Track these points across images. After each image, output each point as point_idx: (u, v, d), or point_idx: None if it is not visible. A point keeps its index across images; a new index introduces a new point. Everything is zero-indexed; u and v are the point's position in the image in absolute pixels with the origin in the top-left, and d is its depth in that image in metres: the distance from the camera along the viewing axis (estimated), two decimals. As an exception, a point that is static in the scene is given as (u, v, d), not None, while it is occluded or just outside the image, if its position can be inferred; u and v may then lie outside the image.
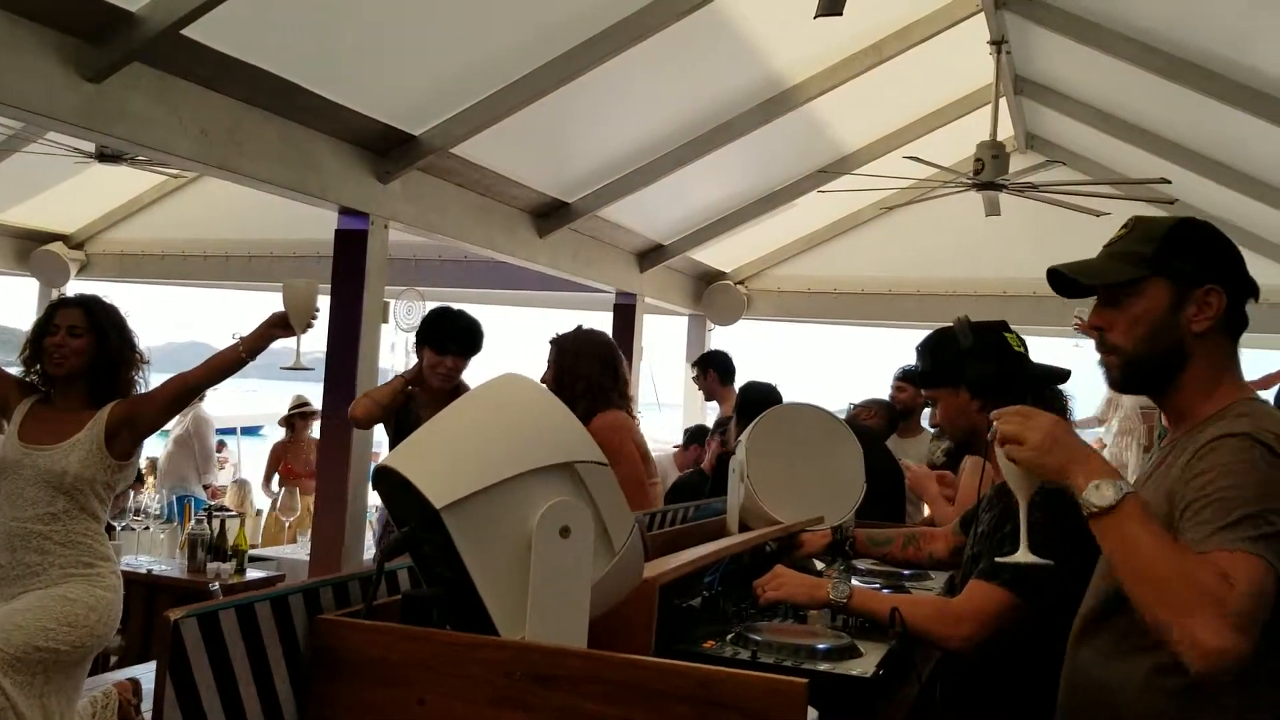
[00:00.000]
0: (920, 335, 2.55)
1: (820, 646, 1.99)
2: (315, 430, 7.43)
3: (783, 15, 5.00)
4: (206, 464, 8.53)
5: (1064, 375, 2.49)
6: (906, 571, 2.91)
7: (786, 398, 4.84)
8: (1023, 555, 1.73)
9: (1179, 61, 4.99)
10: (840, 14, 3.91)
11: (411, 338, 4.45)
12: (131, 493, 5.10)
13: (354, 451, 4.80)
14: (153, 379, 3.54)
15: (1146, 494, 1.81)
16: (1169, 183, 5.53)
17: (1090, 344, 1.91)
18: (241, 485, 8.71)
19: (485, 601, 1.56)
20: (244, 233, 7.95)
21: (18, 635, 3.07)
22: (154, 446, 10.84)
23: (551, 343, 4.06)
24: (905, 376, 5.94)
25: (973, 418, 2.35)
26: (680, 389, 9.32)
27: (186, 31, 3.55)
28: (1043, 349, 2.71)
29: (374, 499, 4.95)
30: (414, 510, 1.59)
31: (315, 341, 3.73)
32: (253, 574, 5.28)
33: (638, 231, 7.29)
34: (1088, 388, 3.93)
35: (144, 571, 5.10)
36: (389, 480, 1.66)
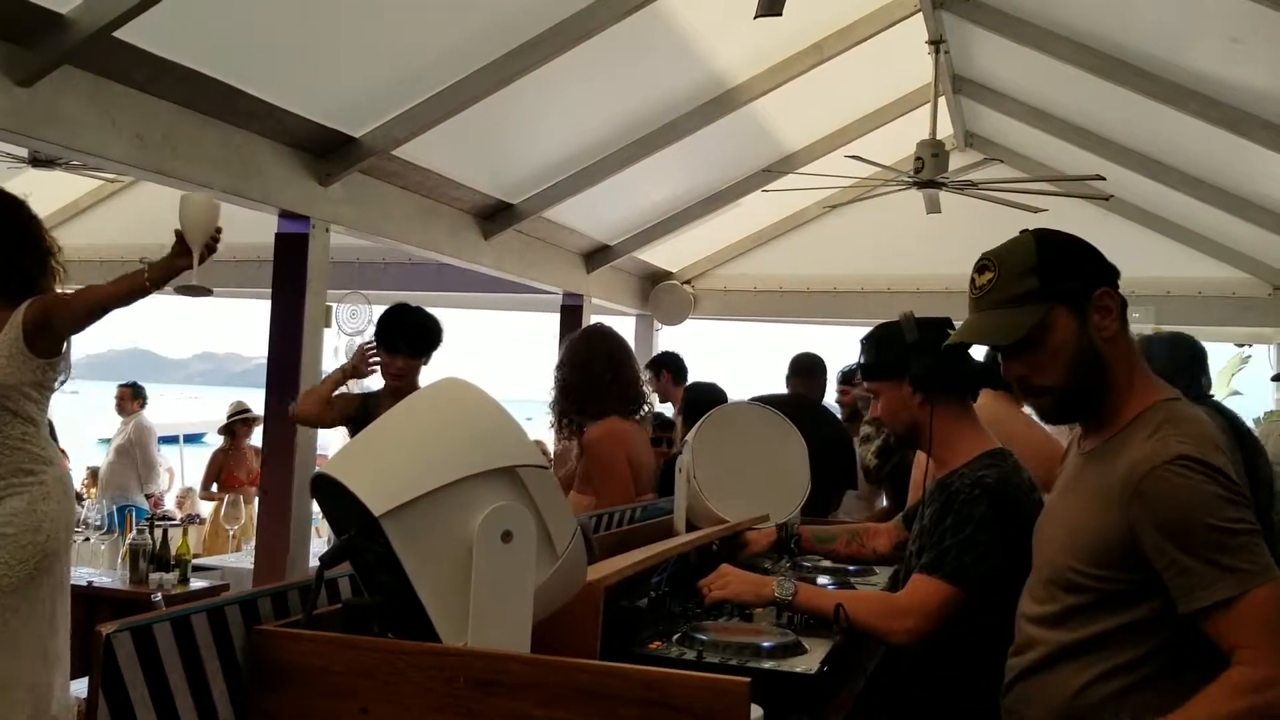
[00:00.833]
0: (865, 332, 2.57)
1: (765, 644, 2.00)
2: (256, 437, 7.33)
3: (723, 16, 5.02)
4: (149, 473, 8.40)
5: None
6: (852, 568, 2.93)
7: (733, 397, 4.86)
8: None
9: (1114, 61, 5.07)
10: (780, 14, 3.93)
11: (354, 341, 4.41)
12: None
13: (297, 458, 4.73)
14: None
15: (1068, 501, 1.84)
16: (1104, 179, 5.63)
17: None
18: (189, 493, 8.58)
19: (427, 608, 1.54)
20: (184, 237, 7.82)
21: None
22: (95, 456, 10.66)
23: (563, 342, 4.01)
24: (846, 379, 5.99)
25: (914, 411, 2.37)
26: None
27: (119, 34, 3.49)
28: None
29: (320, 505, 4.88)
30: (354, 518, 1.57)
31: (257, 346, 3.65)
32: (196, 584, 5.19)
33: (583, 232, 7.28)
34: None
35: (84, 584, 4.98)
36: (327, 489, 1.64)
